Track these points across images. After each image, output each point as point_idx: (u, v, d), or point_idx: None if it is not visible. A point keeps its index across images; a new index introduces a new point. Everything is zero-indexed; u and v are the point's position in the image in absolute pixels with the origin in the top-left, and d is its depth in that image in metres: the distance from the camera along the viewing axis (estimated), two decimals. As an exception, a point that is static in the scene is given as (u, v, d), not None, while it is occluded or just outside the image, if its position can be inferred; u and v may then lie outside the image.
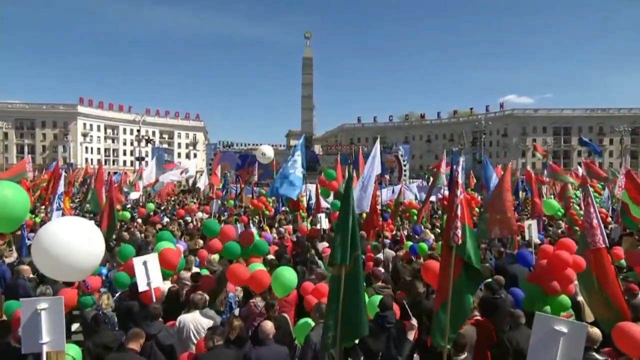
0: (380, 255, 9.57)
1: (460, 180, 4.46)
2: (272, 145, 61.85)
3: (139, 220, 15.74)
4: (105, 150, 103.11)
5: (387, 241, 11.27)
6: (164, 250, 7.01)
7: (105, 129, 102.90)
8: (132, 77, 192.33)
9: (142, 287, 5.81)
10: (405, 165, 63.76)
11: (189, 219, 16.43)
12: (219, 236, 8.06)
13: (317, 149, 76.05)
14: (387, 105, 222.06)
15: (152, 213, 18.03)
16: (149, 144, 71.44)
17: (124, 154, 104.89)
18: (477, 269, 4.34)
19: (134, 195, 19.56)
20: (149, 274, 5.77)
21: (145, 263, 5.81)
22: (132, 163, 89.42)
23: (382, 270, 7.77)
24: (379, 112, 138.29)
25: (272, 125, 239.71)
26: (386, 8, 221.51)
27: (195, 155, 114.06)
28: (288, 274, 6.12)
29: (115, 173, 36.95)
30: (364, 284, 4.38)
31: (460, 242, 4.25)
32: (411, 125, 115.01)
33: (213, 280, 6.58)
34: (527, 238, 9.15)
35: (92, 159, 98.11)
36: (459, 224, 4.25)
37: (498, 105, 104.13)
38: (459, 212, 4.27)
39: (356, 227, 4.34)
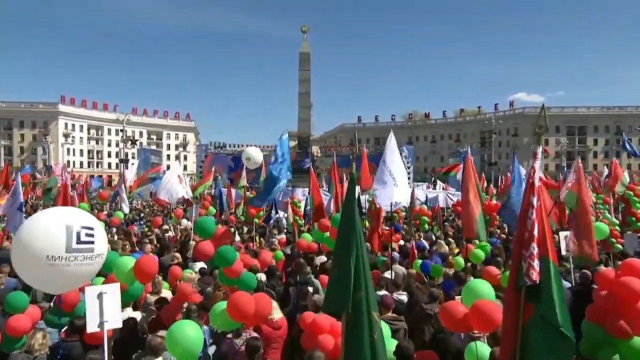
0: (388, 274, 8.51)
1: (536, 183, 3.25)
2: (268, 147, 60.69)
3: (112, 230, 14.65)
4: (89, 152, 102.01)
5: (396, 255, 10.21)
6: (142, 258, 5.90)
7: (89, 129, 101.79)
8: (118, 73, 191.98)
9: (91, 327, 4.37)
10: (409, 168, 62.84)
11: (167, 227, 15.34)
12: (213, 239, 6.94)
13: (316, 150, 75.14)
14: (389, 104, 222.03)
15: (124, 222, 16.71)
16: (134, 145, 70.36)
17: (109, 155, 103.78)
18: (566, 335, 2.98)
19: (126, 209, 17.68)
20: (103, 311, 4.27)
21: (100, 295, 4.29)
22: (117, 165, 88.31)
23: (394, 297, 6.72)
24: (381, 112, 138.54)
25: (267, 125, 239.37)
26: (388, 1, 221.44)
27: (185, 157, 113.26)
28: (190, 331, 4.38)
29: (96, 176, 35.55)
30: (371, 333, 3.22)
31: (537, 280, 3.06)
32: (415, 125, 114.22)
33: (178, 310, 5.54)
34: (563, 253, 8.15)
35: (74, 161, 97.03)
36: (535, 250, 3.07)
37: (507, 104, 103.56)
38: (535, 232, 3.10)
39: (363, 259, 3.22)
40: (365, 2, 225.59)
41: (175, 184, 17.66)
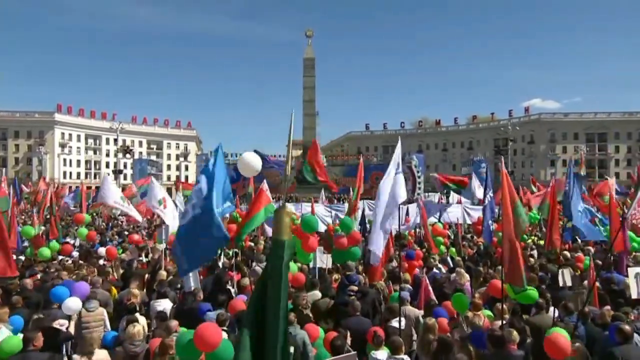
0: (396, 323, 6.61)
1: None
2: (272, 156, 59.47)
3: (75, 254, 12.92)
4: (86, 162, 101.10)
5: (407, 292, 8.24)
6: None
7: (86, 139, 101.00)
8: (116, 81, 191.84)
9: None
10: (419, 177, 60.94)
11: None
12: None
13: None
14: (398, 110, 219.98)
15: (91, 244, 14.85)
16: (132, 155, 69.17)
17: (107, 166, 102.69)
18: None
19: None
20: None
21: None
22: (115, 176, 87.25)
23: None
24: (390, 119, 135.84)
25: (272, 133, 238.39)
26: (395, 3, 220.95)
27: (186, 168, 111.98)
28: None
29: (73, 191, 33.66)
30: None
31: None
32: (425, 132, 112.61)
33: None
34: (634, 296, 6.31)
35: (71, 172, 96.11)
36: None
37: (521, 110, 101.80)
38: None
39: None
40: (371, 6, 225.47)
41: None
